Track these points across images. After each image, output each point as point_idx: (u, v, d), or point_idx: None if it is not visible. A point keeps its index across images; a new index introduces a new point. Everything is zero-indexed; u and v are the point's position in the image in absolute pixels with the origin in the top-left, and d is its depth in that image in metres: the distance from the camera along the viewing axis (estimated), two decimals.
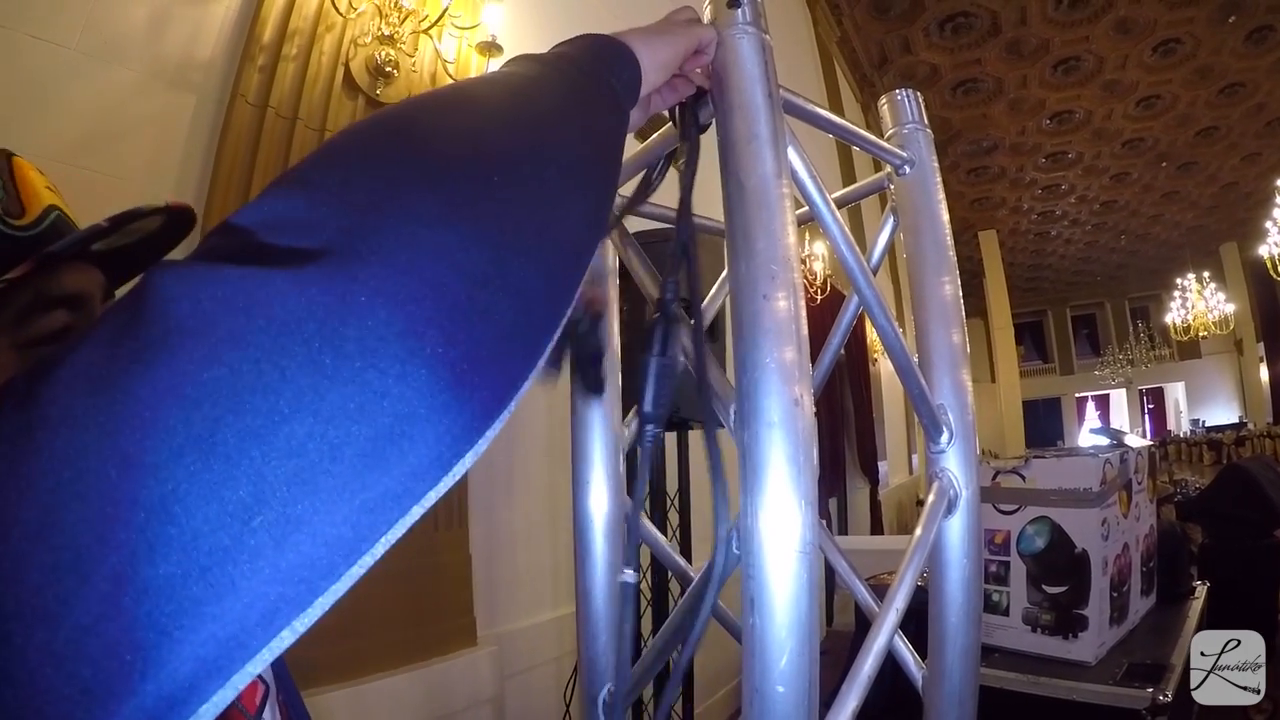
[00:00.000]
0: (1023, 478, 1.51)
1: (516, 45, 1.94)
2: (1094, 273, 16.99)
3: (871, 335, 5.82)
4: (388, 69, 1.85)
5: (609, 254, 0.64)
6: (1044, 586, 1.52)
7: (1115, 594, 1.59)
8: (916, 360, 0.61)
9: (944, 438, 0.59)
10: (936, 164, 0.68)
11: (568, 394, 1.90)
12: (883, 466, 6.21)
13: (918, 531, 0.56)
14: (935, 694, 0.59)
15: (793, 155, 0.49)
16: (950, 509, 0.58)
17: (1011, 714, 1.47)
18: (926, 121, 0.69)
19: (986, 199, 11.82)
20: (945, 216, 0.67)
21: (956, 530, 0.59)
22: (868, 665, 0.48)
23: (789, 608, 0.38)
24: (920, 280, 0.65)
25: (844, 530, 5.37)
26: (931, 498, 0.58)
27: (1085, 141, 9.93)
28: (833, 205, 0.55)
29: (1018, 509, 1.51)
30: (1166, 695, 1.40)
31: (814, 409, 0.42)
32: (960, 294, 0.65)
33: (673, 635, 0.57)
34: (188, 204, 0.55)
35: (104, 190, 1.40)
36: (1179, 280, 11.79)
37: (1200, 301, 11.30)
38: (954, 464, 0.59)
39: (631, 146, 0.48)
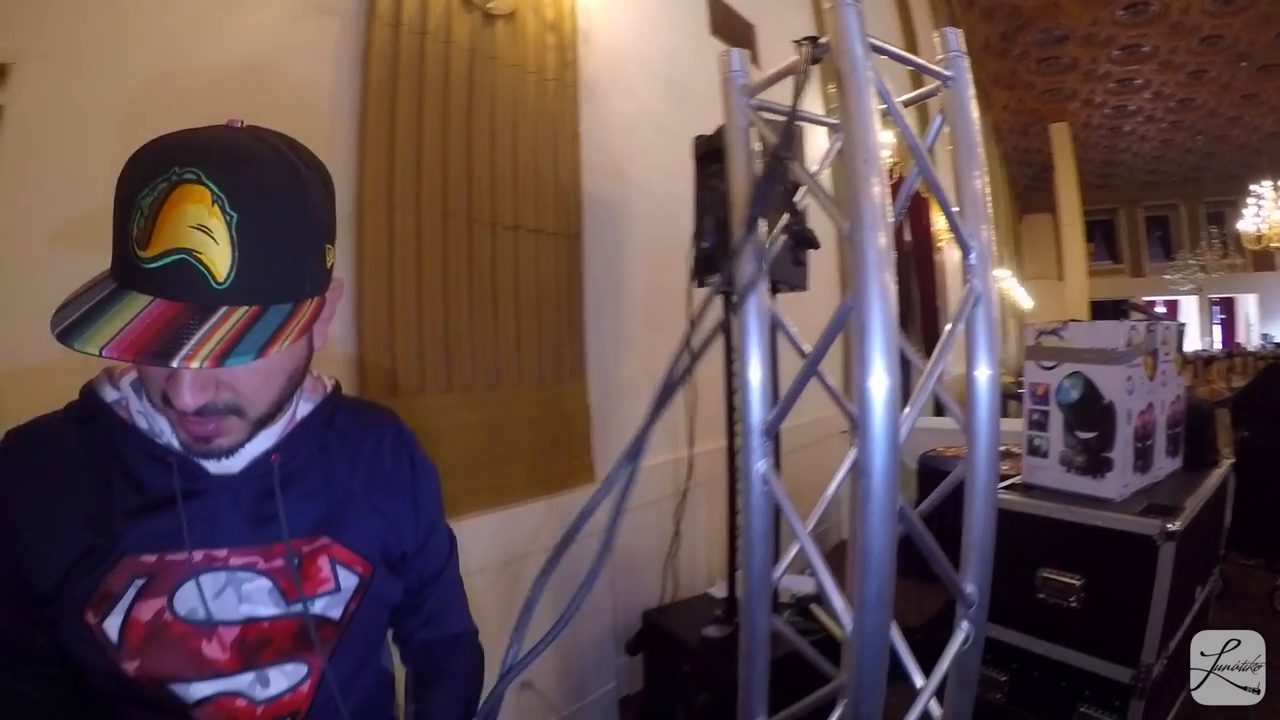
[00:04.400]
0: (1061, 338, 1.77)
1: None
2: (1169, 173, 16.10)
3: (936, 225, 6.01)
4: None
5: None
6: (1077, 432, 1.81)
7: (1139, 444, 1.87)
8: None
9: (972, 255, 0.91)
10: (971, 81, 0.98)
11: (664, 271, 2.26)
12: (946, 357, 6.49)
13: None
14: None
15: (875, 78, 0.81)
16: (975, 303, 0.89)
17: (1049, 540, 1.81)
18: (965, 49, 0.99)
19: (1057, 90, 11.25)
20: (975, 124, 0.97)
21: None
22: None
23: None
24: (958, 170, 0.96)
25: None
26: (966, 291, 0.93)
27: (1161, 35, 9.31)
28: (899, 106, 0.89)
29: (1056, 365, 1.78)
30: (1175, 525, 1.70)
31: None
32: (987, 185, 0.98)
33: None
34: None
35: (271, 111, 1.67)
36: (1255, 187, 11.18)
37: (1276, 210, 10.73)
38: (977, 277, 0.93)
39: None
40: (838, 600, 0.99)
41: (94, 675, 0.62)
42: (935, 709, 1.26)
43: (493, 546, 1.93)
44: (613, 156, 2.49)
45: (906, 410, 0.85)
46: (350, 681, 0.72)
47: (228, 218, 0.52)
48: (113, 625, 0.60)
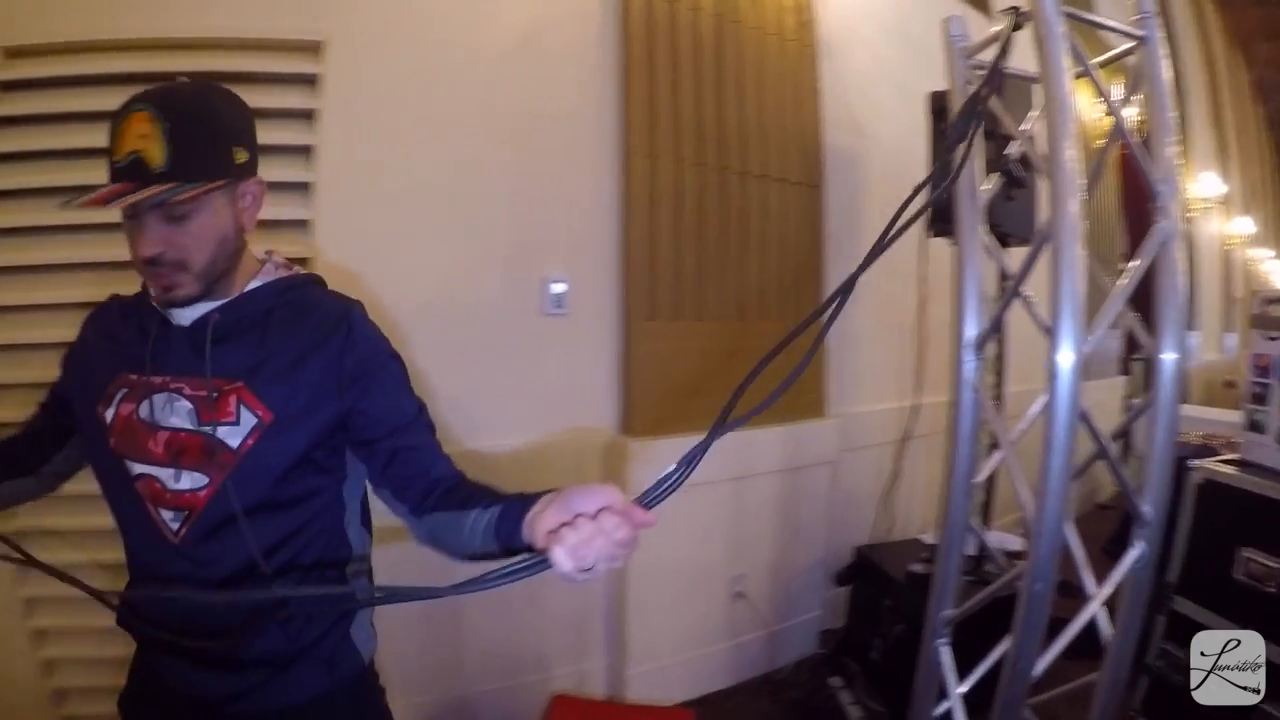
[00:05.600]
0: None
1: None
2: None
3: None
4: None
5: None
6: None
7: None
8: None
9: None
10: (1160, 40, 1.05)
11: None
12: (1192, 338, 5.69)
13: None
14: None
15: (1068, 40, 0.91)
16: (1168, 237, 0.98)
17: (1256, 520, 1.67)
18: (1158, 10, 1.05)
19: None
20: (1166, 85, 1.04)
21: None
22: None
23: None
24: (1150, 132, 1.05)
25: None
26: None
27: None
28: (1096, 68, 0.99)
29: None
30: None
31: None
32: (1175, 150, 1.07)
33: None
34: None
35: (545, 74, 1.97)
36: None
37: None
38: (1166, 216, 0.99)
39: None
40: (1024, 490, 1.13)
41: (95, 447, 0.90)
42: (1107, 628, 1.30)
43: (726, 464, 2.15)
44: (851, 111, 2.57)
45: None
46: (257, 515, 0.86)
47: (161, 126, 0.77)
48: (108, 415, 0.88)
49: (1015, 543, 2.16)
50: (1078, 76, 1.17)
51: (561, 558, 0.64)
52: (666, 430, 2.05)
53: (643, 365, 2.00)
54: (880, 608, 2.26)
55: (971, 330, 1.57)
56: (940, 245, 2.05)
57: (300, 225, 1.79)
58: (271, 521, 0.86)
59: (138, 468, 0.85)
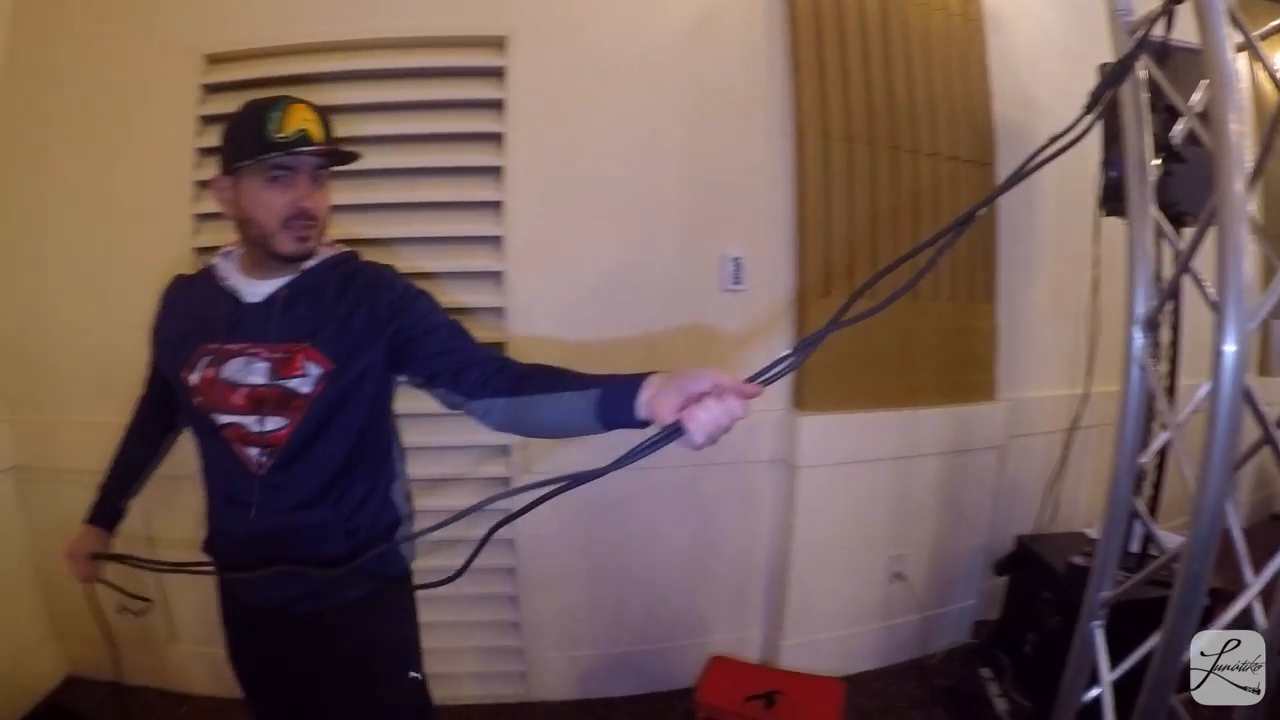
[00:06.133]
0: None
1: None
2: None
3: None
4: None
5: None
6: None
7: None
8: None
9: None
10: None
11: (1072, 200, 2.21)
12: None
13: None
14: None
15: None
16: None
17: None
18: None
19: None
20: None
21: None
22: None
23: None
24: None
25: None
26: None
27: None
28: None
29: None
30: None
31: None
32: None
33: None
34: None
35: (716, 56, 2.01)
36: None
37: None
38: None
39: None
40: (1189, 469, 1.11)
41: (185, 409, 1.10)
42: (1261, 620, 1.22)
43: (891, 442, 2.14)
44: (1020, 85, 2.46)
45: None
46: (325, 446, 1.06)
47: (318, 114, 1.03)
48: (193, 379, 1.06)
49: (1178, 542, 2.04)
50: (1240, 49, 1.11)
51: (696, 431, 0.74)
52: (838, 407, 2.07)
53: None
54: (1038, 600, 2.19)
55: (1140, 306, 1.52)
56: (1113, 227, 1.95)
57: (493, 206, 1.93)
58: (335, 449, 1.07)
59: (223, 418, 1.05)
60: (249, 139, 1.00)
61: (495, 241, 1.92)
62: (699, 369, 0.77)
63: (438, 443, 1.94)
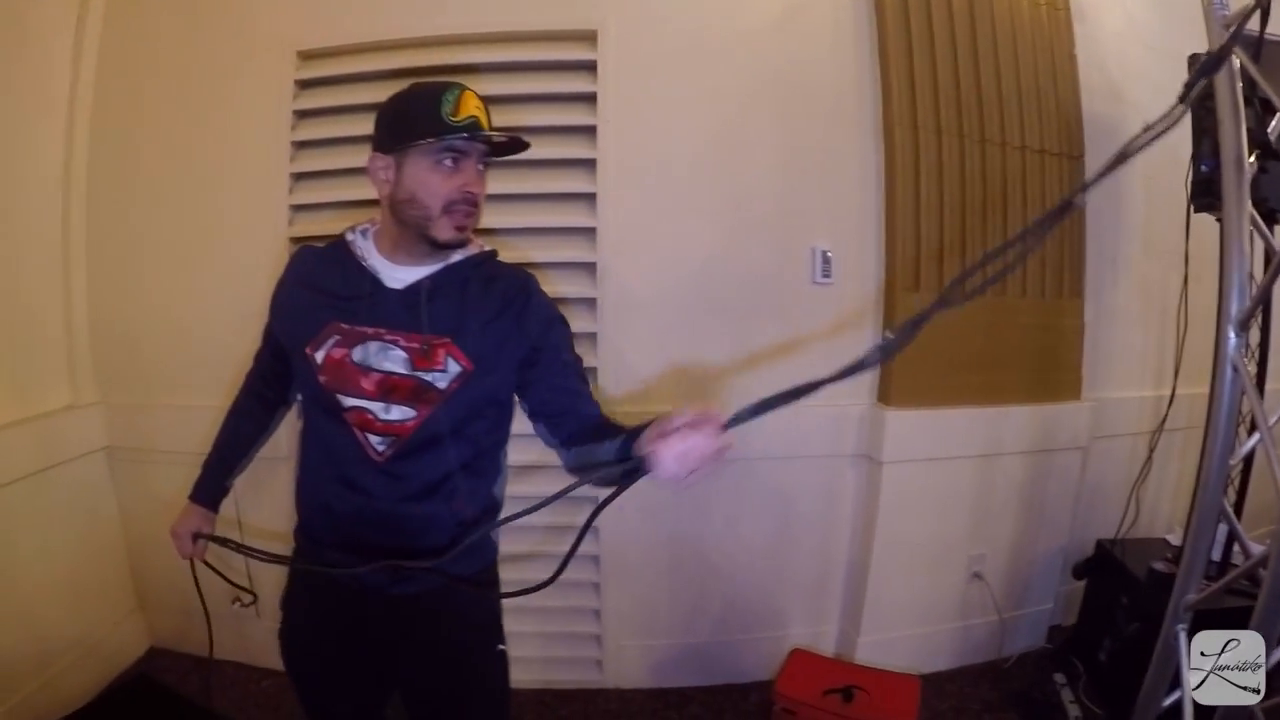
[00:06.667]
0: None
1: None
2: None
3: None
4: None
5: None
6: None
7: None
8: None
9: None
10: None
11: (1162, 196, 2.15)
12: None
13: None
14: None
15: None
16: None
17: None
18: None
19: None
20: None
21: None
22: None
23: None
24: None
25: None
26: None
27: None
28: None
29: None
30: None
31: None
32: None
33: None
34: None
35: (804, 48, 1.99)
36: None
37: None
38: None
39: None
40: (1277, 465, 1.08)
41: (305, 380, 1.08)
42: None
43: (975, 439, 2.11)
44: (1107, 77, 2.40)
45: None
46: (450, 442, 1.05)
47: (484, 104, 1.01)
48: (319, 356, 1.04)
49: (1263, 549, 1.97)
50: None
51: (665, 460, 0.77)
52: (923, 402, 2.04)
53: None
54: (1116, 605, 2.14)
55: (1235, 305, 1.47)
56: (1200, 224, 1.90)
57: (588, 199, 1.94)
58: (458, 448, 1.06)
59: (349, 401, 1.04)
60: (423, 120, 0.97)
61: (589, 233, 1.94)
62: (690, 409, 0.79)
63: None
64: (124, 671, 2.24)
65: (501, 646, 1.21)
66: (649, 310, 1.96)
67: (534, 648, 2.12)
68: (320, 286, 1.08)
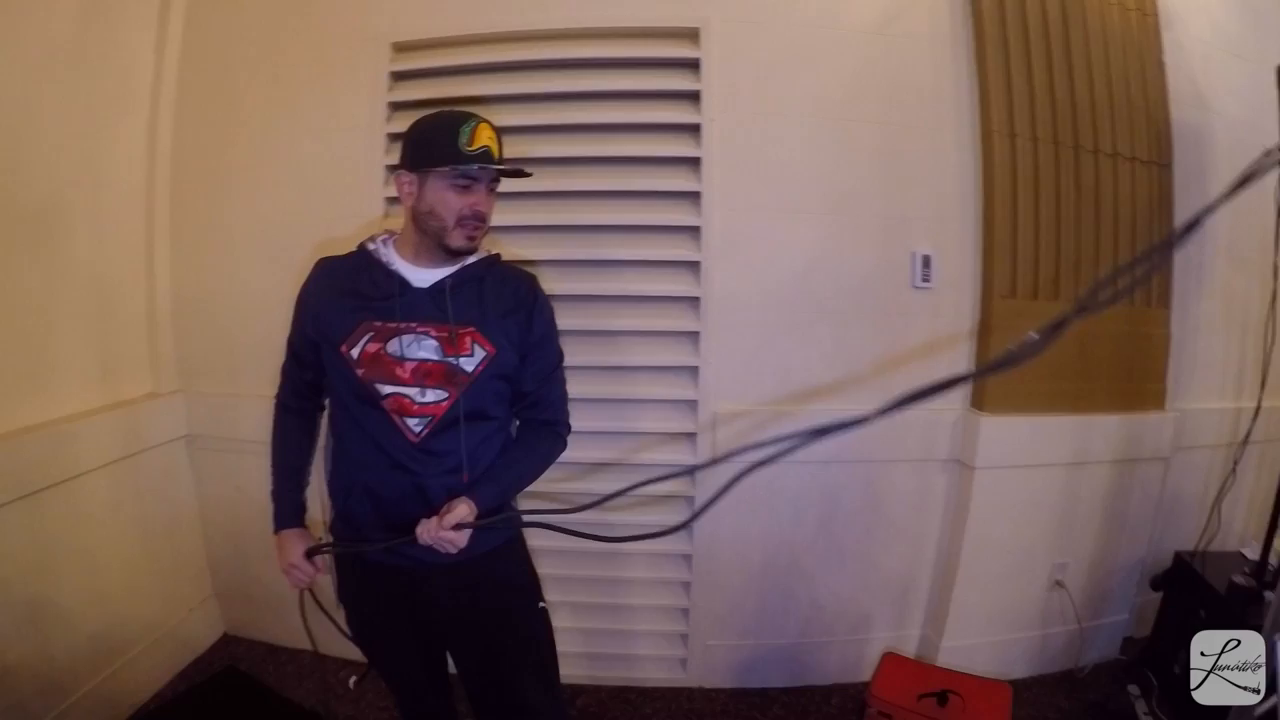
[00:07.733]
0: None
1: None
2: None
3: None
4: None
5: None
6: None
7: None
8: None
9: None
10: None
11: (1245, 204, 2.12)
12: None
13: None
14: None
15: None
16: None
17: None
18: None
19: None
20: None
21: None
22: None
23: None
24: None
25: None
26: None
27: None
28: None
29: None
30: None
31: None
32: None
33: None
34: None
35: (902, 57, 1.98)
36: None
37: None
38: None
39: None
40: None
41: (341, 376, 1.20)
42: None
43: (1064, 447, 2.10)
44: (1194, 84, 2.39)
45: None
46: (474, 420, 1.20)
47: (497, 133, 1.17)
48: (354, 352, 1.18)
49: None
50: None
51: (420, 533, 1.11)
52: (1015, 409, 2.03)
53: (999, 342, 1.98)
54: (1193, 618, 2.13)
55: None
56: None
57: (693, 197, 1.93)
58: (482, 424, 1.22)
59: (387, 389, 1.17)
60: (442, 148, 1.14)
61: (694, 231, 1.93)
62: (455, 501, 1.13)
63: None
64: (199, 658, 2.25)
65: (542, 604, 1.35)
66: (751, 309, 1.96)
67: (618, 645, 2.12)
68: (350, 290, 1.22)
